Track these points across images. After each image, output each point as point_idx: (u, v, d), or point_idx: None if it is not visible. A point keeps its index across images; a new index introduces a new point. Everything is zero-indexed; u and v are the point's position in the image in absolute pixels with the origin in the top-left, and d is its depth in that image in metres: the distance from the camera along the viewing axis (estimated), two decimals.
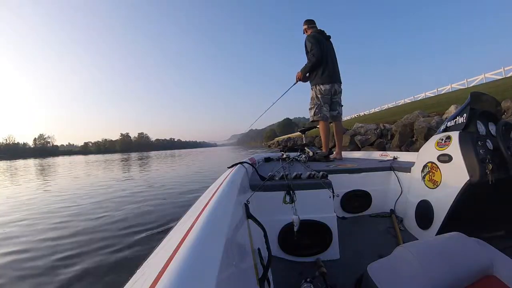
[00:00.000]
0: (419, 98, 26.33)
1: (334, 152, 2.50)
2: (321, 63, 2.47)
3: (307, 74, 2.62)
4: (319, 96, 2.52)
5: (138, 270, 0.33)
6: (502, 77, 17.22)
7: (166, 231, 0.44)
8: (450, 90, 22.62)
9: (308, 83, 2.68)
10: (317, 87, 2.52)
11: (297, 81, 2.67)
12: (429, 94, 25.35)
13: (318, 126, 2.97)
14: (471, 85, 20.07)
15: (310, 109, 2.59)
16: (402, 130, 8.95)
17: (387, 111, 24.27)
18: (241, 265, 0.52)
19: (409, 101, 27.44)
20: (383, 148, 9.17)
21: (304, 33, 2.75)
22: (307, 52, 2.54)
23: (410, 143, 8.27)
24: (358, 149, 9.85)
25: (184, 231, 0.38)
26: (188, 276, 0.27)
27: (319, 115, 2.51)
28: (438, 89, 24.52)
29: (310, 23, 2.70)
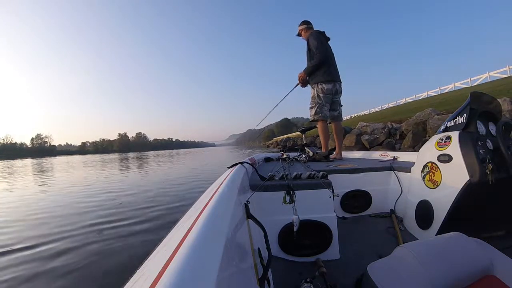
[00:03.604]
0: (421, 97, 26.23)
1: (334, 152, 2.50)
2: (324, 62, 2.44)
3: (307, 77, 2.56)
4: (321, 95, 2.47)
5: (138, 270, 0.32)
6: (507, 76, 16.96)
7: (166, 231, 0.44)
8: (454, 89, 22.46)
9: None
10: (319, 86, 2.47)
11: (299, 83, 2.61)
12: (431, 93, 25.24)
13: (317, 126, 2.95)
14: (475, 84, 19.79)
15: (311, 108, 2.52)
16: (414, 129, 8.27)
17: (389, 110, 24.15)
18: (241, 265, 0.51)
19: (411, 100, 27.32)
20: (393, 148, 8.56)
21: (299, 34, 2.69)
22: (309, 50, 2.49)
23: (424, 143, 7.57)
24: (366, 149, 9.14)
25: (184, 231, 0.38)
26: (188, 276, 0.26)
27: (320, 114, 2.46)
28: (441, 88, 24.41)
29: (308, 23, 2.66)
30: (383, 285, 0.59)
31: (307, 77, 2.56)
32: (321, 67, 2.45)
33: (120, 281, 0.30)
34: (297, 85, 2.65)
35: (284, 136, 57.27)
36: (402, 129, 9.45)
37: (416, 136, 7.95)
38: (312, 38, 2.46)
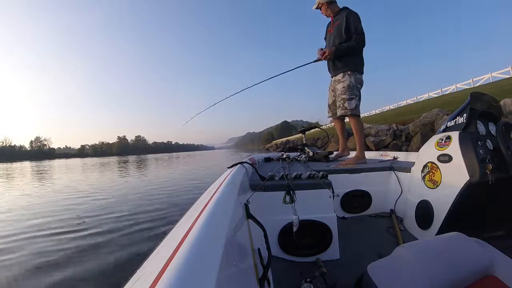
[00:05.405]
0: (422, 99, 26.06)
1: (334, 152, 2.49)
2: (361, 50, 2.08)
3: (333, 56, 2.07)
4: (358, 86, 2.07)
5: (138, 270, 0.32)
6: (510, 76, 16.58)
7: (166, 231, 0.44)
8: (455, 90, 22.11)
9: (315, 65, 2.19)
10: (357, 76, 2.06)
11: (326, 56, 2.08)
12: (433, 94, 25.07)
13: (320, 127, 2.89)
14: (477, 85, 19.31)
15: (350, 99, 2.01)
16: (422, 130, 8.07)
17: (390, 112, 24.01)
18: (241, 265, 0.51)
19: (412, 102, 27.14)
20: (400, 151, 8.43)
21: (321, 6, 2.18)
22: (346, 31, 2.02)
23: None
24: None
25: (184, 231, 0.38)
26: (188, 276, 0.26)
27: (359, 108, 2.05)
28: (442, 89, 24.16)
29: None
30: (383, 285, 0.59)
31: (333, 56, 2.07)
32: (357, 53, 2.07)
33: None
34: (317, 61, 2.19)
35: (284, 139, 57.13)
36: (409, 130, 9.29)
37: (425, 137, 7.71)
38: (358, 19, 2.01)
